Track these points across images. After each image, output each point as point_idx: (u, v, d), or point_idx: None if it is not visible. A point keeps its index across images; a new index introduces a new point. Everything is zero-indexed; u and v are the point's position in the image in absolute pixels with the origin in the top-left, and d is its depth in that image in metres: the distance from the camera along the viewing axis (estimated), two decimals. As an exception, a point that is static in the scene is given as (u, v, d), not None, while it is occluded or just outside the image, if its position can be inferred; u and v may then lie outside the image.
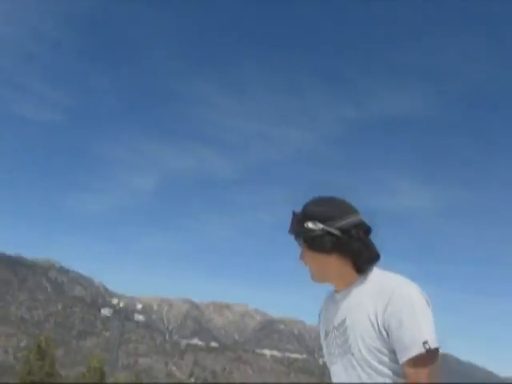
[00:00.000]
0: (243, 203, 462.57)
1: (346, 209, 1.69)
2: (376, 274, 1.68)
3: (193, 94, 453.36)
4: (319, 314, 1.89)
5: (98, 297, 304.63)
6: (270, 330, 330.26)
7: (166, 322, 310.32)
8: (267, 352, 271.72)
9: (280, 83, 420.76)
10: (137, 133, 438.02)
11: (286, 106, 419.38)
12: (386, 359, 1.54)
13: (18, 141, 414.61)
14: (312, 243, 1.68)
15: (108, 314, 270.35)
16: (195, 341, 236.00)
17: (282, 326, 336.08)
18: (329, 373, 1.74)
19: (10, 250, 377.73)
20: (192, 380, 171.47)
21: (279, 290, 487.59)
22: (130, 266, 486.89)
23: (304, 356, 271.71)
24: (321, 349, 1.69)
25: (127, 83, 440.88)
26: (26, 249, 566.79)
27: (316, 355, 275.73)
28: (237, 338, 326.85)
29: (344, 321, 1.68)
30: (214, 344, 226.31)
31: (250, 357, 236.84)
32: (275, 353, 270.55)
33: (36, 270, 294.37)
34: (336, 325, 1.71)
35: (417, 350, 1.46)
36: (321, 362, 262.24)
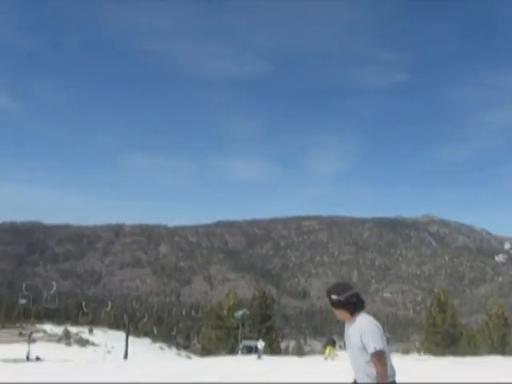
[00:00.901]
0: None
1: (347, 288, 4.02)
2: (360, 316, 3.98)
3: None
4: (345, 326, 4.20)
5: (482, 243, 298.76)
6: None
7: None
8: None
9: None
10: (483, 69, 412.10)
11: None
12: (364, 353, 3.84)
13: (370, 110, 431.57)
14: (334, 305, 4.02)
15: (502, 260, 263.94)
16: None
17: None
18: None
19: (390, 213, 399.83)
20: None
21: None
22: (507, 206, 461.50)
23: None
24: None
25: (459, 23, 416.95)
26: (404, 209, 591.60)
27: None
28: None
29: (350, 334, 4.01)
30: None
31: None
32: None
33: (417, 227, 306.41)
34: (349, 334, 4.04)
35: (371, 350, 3.77)
36: None
